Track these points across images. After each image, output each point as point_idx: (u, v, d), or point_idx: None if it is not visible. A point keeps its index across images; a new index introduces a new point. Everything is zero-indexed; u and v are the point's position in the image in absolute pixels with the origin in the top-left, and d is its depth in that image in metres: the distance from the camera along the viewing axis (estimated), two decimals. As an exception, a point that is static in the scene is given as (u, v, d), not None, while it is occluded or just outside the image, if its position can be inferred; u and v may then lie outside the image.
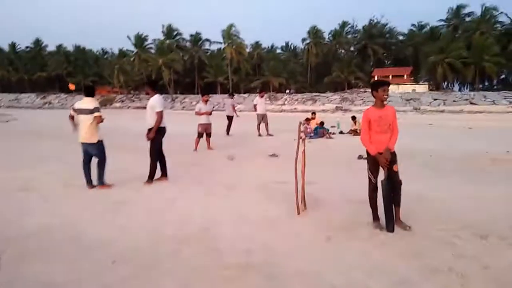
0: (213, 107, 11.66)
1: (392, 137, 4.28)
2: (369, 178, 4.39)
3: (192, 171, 7.94)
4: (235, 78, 69.77)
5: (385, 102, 4.31)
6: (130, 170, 7.63)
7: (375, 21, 72.66)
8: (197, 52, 71.36)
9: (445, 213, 4.74)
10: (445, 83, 62.39)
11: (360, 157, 9.27)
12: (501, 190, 5.88)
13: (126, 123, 21.31)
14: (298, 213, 4.80)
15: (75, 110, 6.27)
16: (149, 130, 6.55)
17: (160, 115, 6.51)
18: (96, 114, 6.13)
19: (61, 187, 6.49)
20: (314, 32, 69.76)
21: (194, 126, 11.27)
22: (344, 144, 12.08)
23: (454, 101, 43.08)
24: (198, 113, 11.15)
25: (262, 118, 15.02)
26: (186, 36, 74.00)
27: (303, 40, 72.77)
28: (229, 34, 65.99)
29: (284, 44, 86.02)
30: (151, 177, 6.70)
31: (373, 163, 4.31)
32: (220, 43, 69.93)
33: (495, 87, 65.77)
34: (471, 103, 41.52)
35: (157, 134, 6.56)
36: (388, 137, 4.27)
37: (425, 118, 26.70)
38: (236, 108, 13.89)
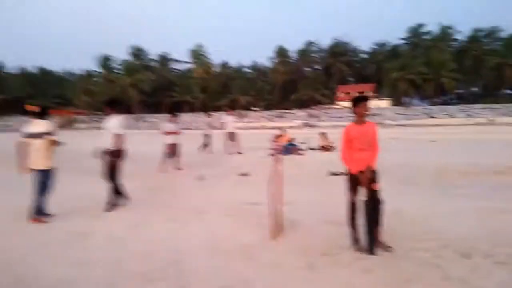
0: (179, 127, 11.22)
1: (372, 154, 4.09)
2: (348, 198, 4.14)
3: (159, 194, 7.47)
4: (203, 96, 69.44)
5: (365, 118, 4.13)
6: (90, 196, 7.03)
7: (339, 40, 74.92)
8: (165, 72, 70.78)
9: (424, 230, 4.56)
10: (407, 98, 64.64)
11: (332, 173, 9.11)
12: (475, 204, 5.80)
13: (88, 145, 20.32)
14: (274, 238, 4.47)
15: (25, 134, 5.69)
16: (107, 152, 6.07)
17: (118, 137, 6.04)
18: (49, 137, 5.60)
19: (11, 220, 5.82)
20: (281, 52, 70.95)
21: (162, 146, 10.79)
22: (315, 161, 11.92)
23: (416, 115, 44.64)
24: (165, 133, 10.70)
25: (231, 136, 14.71)
26: (154, 56, 73.50)
27: (270, 59, 73.84)
28: (197, 54, 65.98)
29: (251, 63, 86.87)
30: (111, 203, 6.18)
31: (353, 182, 4.09)
32: (188, 62, 69.86)
33: (453, 101, 68.90)
34: (431, 117, 43.12)
35: (116, 157, 6.08)
36: (369, 155, 4.07)
37: (390, 132, 27.22)
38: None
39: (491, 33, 62.84)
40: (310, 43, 75.89)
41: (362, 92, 67.13)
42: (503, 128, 30.42)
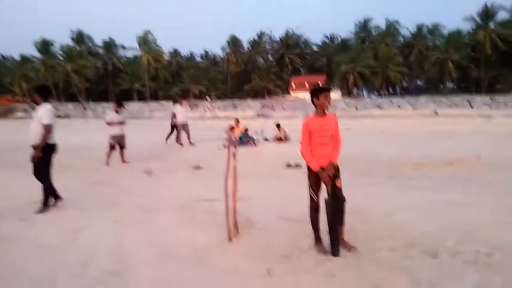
0: (124, 117, 10.43)
1: (335, 149, 3.80)
2: (310, 196, 3.83)
3: (102, 191, 6.76)
4: (153, 85, 67.15)
5: (326, 111, 3.81)
6: (21, 195, 6.24)
7: (291, 32, 75.38)
8: (110, 59, 67.38)
9: (387, 228, 4.36)
10: (356, 90, 66.53)
11: (288, 165, 8.86)
12: (433, 197, 5.74)
13: (25, 136, 18.75)
14: (230, 240, 4.06)
15: None
16: (35, 147, 5.31)
17: (47, 129, 5.25)
18: None
19: None
20: (233, 42, 70.07)
21: (106, 137, 9.97)
22: (270, 152, 11.65)
23: (365, 106, 45.92)
24: (110, 123, 9.90)
25: (183, 127, 14.07)
26: (98, 41, 69.74)
27: (223, 48, 72.79)
28: (145, 41, 63.41)
29: (203, 52, 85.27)
30: (45, 204, 5.46)
31: (315, 179, 3.77)
32: (136, 49, 67.00)
33: (399, 93, 71.93)
34: (380, 108, 44.59)
35: (46, 152, 5.35)
36: (330, 149, 3.77)
37: (342, 124, 27.68)
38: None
39: (434, 29, 66.04)
40: (262, 34, 75.76)
41: (324, 83, 68.33)
42: (446, 119, 32.06)
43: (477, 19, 56.07)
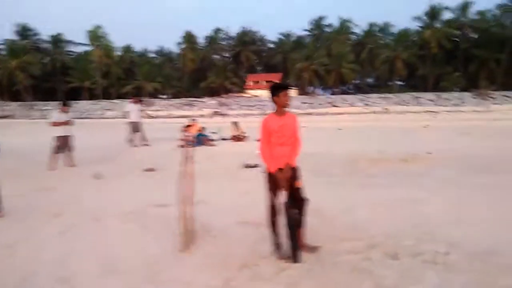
0: (72, 117, 9.80)
1: (293, 150, 3.66)
2: (269, 199, 3.66)
3: (45, 199, 6.21)
4: (105, 82, 64.50)
5: (286, 109, 3.66)
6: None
7: (247, 29, 75.29)
8: (59, 55, 63.85)
9: (348, 229, 4.29)
10: (311, 87, 67.69)
11: (247, 165, 8.69)
12: (390, 194, 5.80)
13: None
14: (185, 249, 3.81)
15: None
16: None
17: None
18: None
19: None
20: (189, 38, 68.77)
21: (51, 140, 9.27)
22: (227, 152, 11.42)
23: (320, 104, 46.84)
24: (55, 123, 9.23)
25: (136, 126, 13.48)
26: (45, 36, 65.89)
27: (178, 44, 71.26)
28: (95, 36, 60.67)
29: (158, 48, 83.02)
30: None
31: (273, 181, 3.60)
32: (86, 45, 63.94)
33: (351, 91, 74.09)
34: (334, 106, 45.65)
35: None
36: (290, 150, 3.62)
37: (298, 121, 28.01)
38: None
39: (384, 28, 68.61)
40: (218, 30, 75.07)
41: (271, 81, 68.73)
42: (396, 116, 33.36)
43: (424, 18, 58.80)
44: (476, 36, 60.95)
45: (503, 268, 3.14)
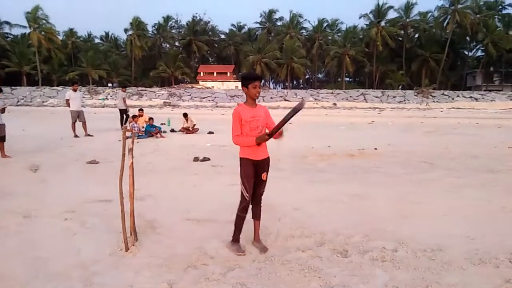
0: (5, 104, 9.01)
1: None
2: (242, 193, 3.51)
3: (-30, 193, 5.62)
4: (46, 68, 60.48)
5: (256, 101, 3.51)
6: None
7: (198, 18, 73.88)
8: (-7, 36, 58.83)
9: (297, 225, 4.24)
10: (263, 81, 68.07)
11: (196, 159, 8.45)
12: (338, 190, 5.86)
13: None
14: (127, 249, 3.56)
15: None
16: None
17: None
18: None
19: None
20: (137, 24, 66.12)
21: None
22: (177, 144, 11.07)
23: (272, 97, 47.24)
24: (-16, 111, 8.41)
25: (78, 115, 12.70)
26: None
27: (125, 30, 68.28)
28: (35, 18, 56.49)
29: (103, 34, 79.14)
30: None
31: (248, 172, 3.45)
32: (25, 27, 59.35)
33: (302, 85, 75.46)
34: (285, 100, 46.22)
35: None
36: (264, 147, 3.55)
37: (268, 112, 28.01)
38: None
39: (333, 24, 70.30)
40: (168, 18, 72.98)
41: (223, 73, 68.18)
42: (344, 111, 34.43)
43: (371, 16, 60.97)
44: (417, 36, 64.44)
45: (448, 265, 3.23)
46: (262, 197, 3.69)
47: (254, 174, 3.47)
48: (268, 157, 3.60)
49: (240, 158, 3.51)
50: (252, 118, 3.41)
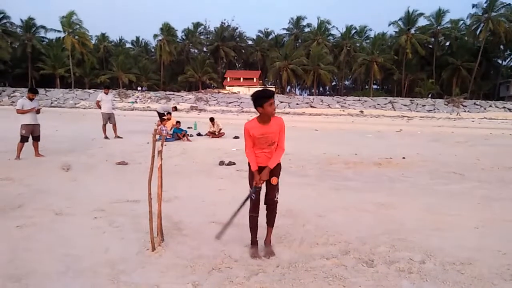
0: (40, 105, 9.39)
1: (275, 154, 3.56)
2: (250, 194, 3.60)
3: (6, 190, 5.85)
4: (79, 71, 62.55)
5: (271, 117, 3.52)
6: None
7: (226, 24, 74.74)
8: (30, 40, 61.29)
9: (321, 232, 4.21)
10: (289, 87, 67.98)
11: (221, 163, 8.53)
12: (364, 198, 5.78)
13: None
14: (153, 249, 3.63)
15: None
16: None
17: None
18: None
19: None
20: (167, 29, 67.50)
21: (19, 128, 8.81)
22: (203, 148, 11.21)
23: (297, 104, 47.14)
24: (21, 111, 8.77)
25: (109, 117, 13.07)
26: (16, 20, 63.09)
27: (155, 36, 69.84)
28: (69, 23, 58.58)
29: (134, 39, 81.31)
30: None
31: (253, 176, 3.57)
32: (59, 31, 61.59)
33: (328, 92, 74.89)
34: (311, 106, 46.00)
35: None
36: (272, 151, 3.57)
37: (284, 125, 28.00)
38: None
39: (362, 31, 69.53)
40: (198, 24, 74.16)
41: (249, 79, 68.53)
42: (371, 119, 33.90)
43: (400, 24, 59.94)
44: (448, 43, 62.84)
45: (478, 279, 3.13)
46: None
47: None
48: (278, 163, 3.63)
49: (248, 164, 3.63)
50: (261, 136, 3.47)
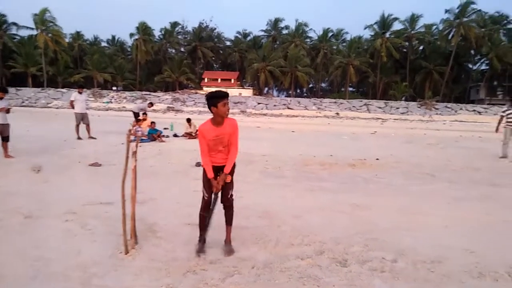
0: (10, 104, 9.08)
1: (229, 158, 3.59)
2: (203, 193, 3.68)
3: (-27, 192, 5.66)
4: (52, 70, 60.81)
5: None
6: None
7: (205, 24, 74.32)
8: (1, 37, 59.14)
9: (297, 232, 4.25)
10: (266, 88, 68.23)
11: (198, 164, 8.47)
12: (340, 199, 5.87)
13: None
14: (127, 252, 3.57)
15: None
16: None
17: None
18: None
19: None
20: (143, 28, 66.52)
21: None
22: (180, 149, 11.10)
23: (275, 105, 47.28)
24: (-11, 111, 8.46)
25: (82, 118, 12.76)
26: (-16, 17, 60.70)
27: (131, 35, 68.70)
28: (42, 20, 56.91)
29: (110, 38, 79.77)
30: None
31: (208, 179, 3.60)
32: (32, 29, 59.71)
33: (305, 94, 75.59)
34: (289, 108, 46.27)
35: None
36: (226, 155, 3.59)
37: (252, 121, 28.10)
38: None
39: (338, 34, 70.59)
40: (175, 24, 73.46)
41: (227, 80, 68.39)
42: (346, 121, 34.42)
43: (376, 27, 61.16)
44: (422, 48, 64.59)
45: (447, 277, 3.23)
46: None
47: (215, 176, 3.57)
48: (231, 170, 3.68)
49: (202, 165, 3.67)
50: (215, 137, 3.48)
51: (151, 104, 16.33)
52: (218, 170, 3.60)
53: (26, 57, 57.48)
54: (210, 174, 3.54)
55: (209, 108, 3.45)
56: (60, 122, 19.23)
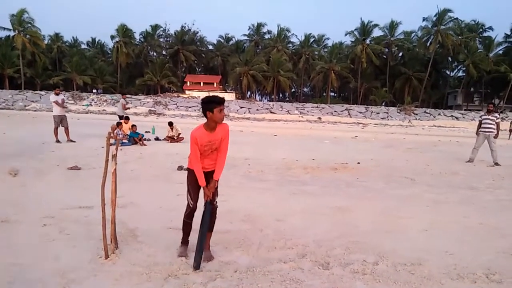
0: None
1: (218, 164, 3.56)
2: (188, 200, 3.62)
3: None
4: (30, 72, 59.40)
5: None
6: None
7: (187, 27, 74.00)
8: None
9: (280, 236, 4.26)
10: (249, 93, 68.33)
11: (180, 168, 8.41)
12: (322, 202, 5.91)
13: None
14: (107, 257, 3.50)
15: None
16: None
17: None
18: None
19: None
20: (123, 31, 65.78)
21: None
22: (161, 153, 10.99)
23: (258, 109, 47.40)
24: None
25: (61, 120, 12.50)
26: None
27: (112, 37, 67.78)
28: (20, 21, 55.64)
29: (90, 40, 78.56)
30: None
31: (194, 184, 3.53)
32: (9, 29, 58.23)
33: (287, 98, 76.06)
34: (271, 112, 46.46)
35: None
36: (213, 160, 3.56)
37: (235, 125, 28.07)
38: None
39: (320, 40, 71.43)
40: (156, 27, 72.89)
41: (210, 83, 68.20)
42: (328, 126, 34.78)
43: (356, 34, 62.12)
44: (401, 54, 65.97)
45: (427, 279, 3.28)
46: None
47: (198, 185, 3.52)
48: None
49: (188, 168, 3.63)
50: (208, 143, 3.44)
51: (125, 95, 16.89)
52: (205, 176, 3.53)
53: (2, 59, 56.05)
54: (202, 183, 3.46)
55: (204, 112, 3.39)
56: (39, 125, 18.79)
